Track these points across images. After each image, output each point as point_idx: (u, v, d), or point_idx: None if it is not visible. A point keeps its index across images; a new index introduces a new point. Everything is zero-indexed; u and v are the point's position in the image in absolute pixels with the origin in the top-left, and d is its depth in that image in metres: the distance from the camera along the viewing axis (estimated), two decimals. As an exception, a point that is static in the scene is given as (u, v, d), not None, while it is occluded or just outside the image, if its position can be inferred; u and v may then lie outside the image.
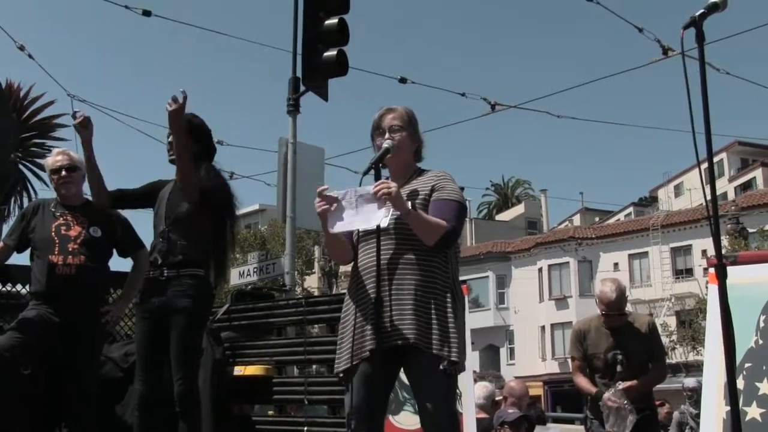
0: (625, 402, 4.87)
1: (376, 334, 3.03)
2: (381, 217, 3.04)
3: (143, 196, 4.40)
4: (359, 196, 3.09)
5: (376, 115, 3.39)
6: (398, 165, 3.33)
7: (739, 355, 4.10)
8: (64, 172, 4.59)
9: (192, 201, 4.13)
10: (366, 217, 3.07)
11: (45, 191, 15.98)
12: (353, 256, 3.30)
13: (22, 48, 9.84)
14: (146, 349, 4.14)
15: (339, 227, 3.17)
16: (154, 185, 4.41)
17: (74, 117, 4.23)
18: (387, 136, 3.29)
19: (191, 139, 4.23)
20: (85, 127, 4.20)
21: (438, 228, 3.11)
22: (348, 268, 3.44)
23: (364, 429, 3.10)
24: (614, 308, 5.09)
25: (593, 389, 5.13)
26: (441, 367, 3.02)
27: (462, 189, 3.37)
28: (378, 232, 3.10)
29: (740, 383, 4.12)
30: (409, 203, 3.10)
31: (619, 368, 5.06)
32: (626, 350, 5.08)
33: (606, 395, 4.94)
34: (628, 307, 5.71)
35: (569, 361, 5.59)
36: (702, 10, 2.64)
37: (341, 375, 3.21)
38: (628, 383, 4.95)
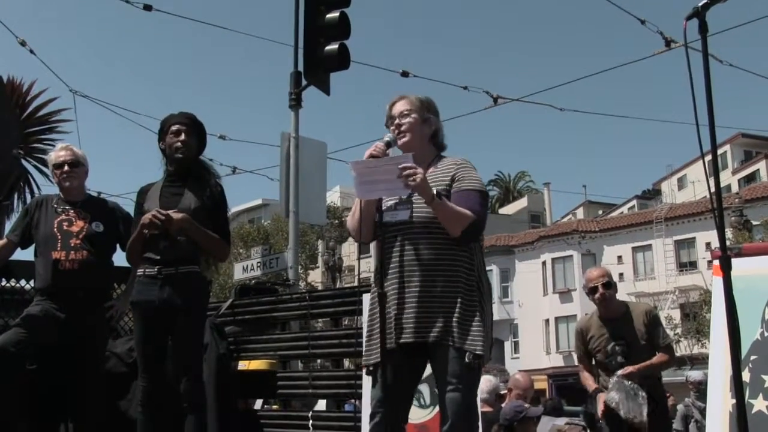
0: (630, 383, 4.83)
1: (400, 330, 3.08)
2: (404, 190, 3.08)
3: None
4: (388, 165, 3.08)
5: (388, 103, 3.40)
6: (412, 149, 3.28)
7: (745, 348, 4.09)
8: (66, 167, 4.58)
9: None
10: (390, 186, 3.08)
11: (48, 187, 16.01)
12: (373, 238, 3.30)
13: (23, 43, 9.82)
14: (147, 347, 4.13)
15: (363, 193, 3.18)
16: (142, 198, 4.32)
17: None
18: (396, 121, 3.31)
19: (198, 140, 4.25)
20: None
21: (464, 217, 3.11)
22: (352, 262, 3.46)
23: (386, 422, 3.11)
24: (595, 279, 5.14)
25: (592, 385, 5.15)
26: (466, 360, 3.04)
27: None
28: (380, 223, 3.12)
29: (746, 376, 4.11)
30: (435, 190, 3.10)
31: (620, 359, 5.04)
32: (626, 340, 5.07)
33: (609, 387, 4.92)
34: (629, 298, 5.70)
35: (574, 354, 5.58)
36: (705, 1, 2.62)
37: (370, 368, 3.21)
38: (627, 369, 4.91)
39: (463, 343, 3.05)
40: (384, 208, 3.24)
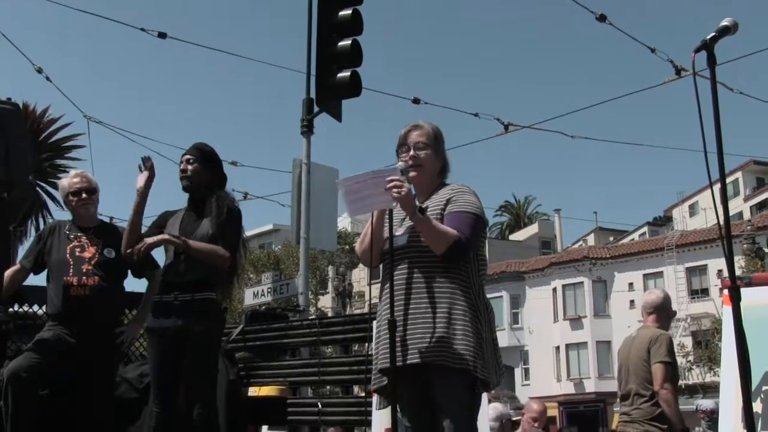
0: None
1: (401, 353, 3.07)
2: (391, 203, 3.08)
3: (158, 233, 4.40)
4: (375, 178, 3.09)
5: (402, 130, 3.39)
6: (422, 182, 3.33)
7: (756, 378, 4.07)
8: (84, 195, 4.63)
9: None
10: (378, 200, 3.10)
11: (62, 212, 16.10)
12: (380, 262, 3.31)
13: (40, 70, 9.94)
14: (161, 373, 4.15)
15: (352, 211, 3.23)
16: (162, 219, 4.41)
17: (143, 165, 4.26)
18: (412, 153, 3.30)
19: (208, 169, 4.29)
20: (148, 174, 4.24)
21: (446, 236, 3.08)
22: (362, 287, 3.48)
23: None
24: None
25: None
26: (461, 381, 3.03)
27: None
28: (391, 246, 3.14)
29: (759, 407, 4.09)
30: (419, 205, 3.12)
31: None
32: None
33: None
34: (639, 326, 5.64)
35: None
36: (713, 34, 2.65)
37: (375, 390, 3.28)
38: None
39: (462, 365, 3.02)
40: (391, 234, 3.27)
